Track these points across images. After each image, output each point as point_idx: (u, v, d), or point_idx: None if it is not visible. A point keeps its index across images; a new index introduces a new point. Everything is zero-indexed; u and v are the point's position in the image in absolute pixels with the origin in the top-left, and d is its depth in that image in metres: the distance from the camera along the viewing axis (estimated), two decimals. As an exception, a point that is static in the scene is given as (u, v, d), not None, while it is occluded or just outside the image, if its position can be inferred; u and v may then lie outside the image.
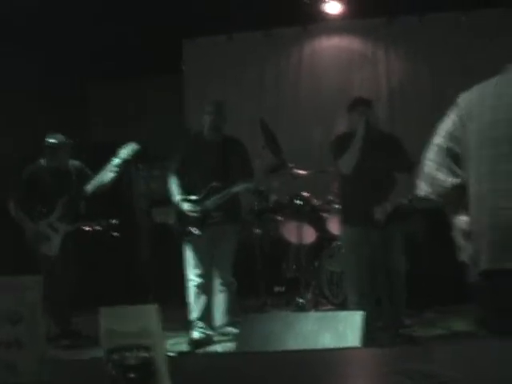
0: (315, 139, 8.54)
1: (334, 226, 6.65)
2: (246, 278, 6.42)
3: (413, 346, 3.01)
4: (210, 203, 5.67)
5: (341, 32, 8.84)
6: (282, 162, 5.91)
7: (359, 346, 2.67)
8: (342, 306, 6.10)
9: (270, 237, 7.28)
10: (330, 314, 4.13)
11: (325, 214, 6.76)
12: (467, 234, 2.83)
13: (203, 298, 5.77)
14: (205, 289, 5.78)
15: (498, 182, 2.67)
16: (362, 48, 8.85)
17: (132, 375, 1.43)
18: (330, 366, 1.94)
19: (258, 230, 6.98)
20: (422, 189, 2.95)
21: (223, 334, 5.86)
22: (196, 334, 5.70)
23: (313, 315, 3.93)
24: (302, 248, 6.62)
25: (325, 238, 6.82)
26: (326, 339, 2.76)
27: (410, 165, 5.02)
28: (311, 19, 8.54)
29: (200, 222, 5.69)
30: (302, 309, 6.36)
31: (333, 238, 6.68)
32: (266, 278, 6.95)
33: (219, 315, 5.88)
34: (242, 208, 6.16)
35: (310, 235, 6.71)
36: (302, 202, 6.63)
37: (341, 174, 5.64)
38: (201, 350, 5.53)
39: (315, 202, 6.78)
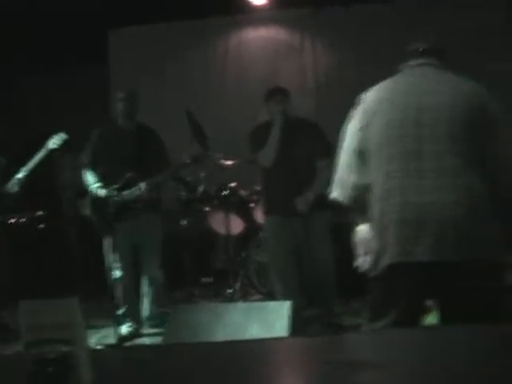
0: (242, 130, 8.53)
1: (261, 216, 6.68)
2: (174, 269, 6.39)
3: (341, 335, 3.03)
4: (127, 194, 5.55)
5: (267, 23, 8.85)
6: (208, 153, 5.88)
7: (287, 335, 2.69)
8: (271, 295, 6.12)
9: (198, 228, 7.26)
10: (257, 304, 4.14)
11: (252, 205, 6.77)
12: (367, 245, 2.96)
13: (129, 292, 5.67)
14: (129, 282, 5.67)
15: (408, 179, 2.79)
16: (288, 39, 8.89)
17: (50, 369, 1.41)
18: (258, 356, 1.94)
19: (185, 221, 6.96)
20: (334, 191, 3.09)
21: (152, 326, 5.80)
22: (123, 328, 5.61)
23: (241, 306, 3.93)
24: (229, 239, 6.62)
25: (252, 228, 6.83)
26: (254, 329, 2.77)
27: (330, 150, 4.88)
28: (238, 10, 8.51)
29: (118, 213, 5.57)
30: (230, 299, 6.37)
31: (260, 228, 6.69)
32: (194, 269, 6.95)
33: (147, 307, 5.81)
34: (162, 198, 6.06)
35: (237, 226, 6.72)
36: (229, 193, 6.62)
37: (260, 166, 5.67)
38: (129, 343, 5.47)
39: (242, 192, 6.79)
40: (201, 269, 7.19)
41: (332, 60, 8.70)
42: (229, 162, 6.55)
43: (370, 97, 3.05)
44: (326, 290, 5.60)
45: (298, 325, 5.34)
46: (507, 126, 2.95)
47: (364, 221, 3.01)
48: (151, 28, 8.80)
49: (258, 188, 6.71)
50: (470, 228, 2.73)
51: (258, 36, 8.88)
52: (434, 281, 2.77)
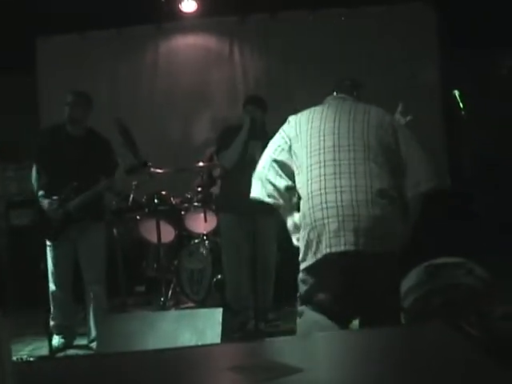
0: (173, 138, 8.57)
1: (193, 224, 6.70)
2: (107, 278, 6.34)
3: (273, 340, 3.11)
4: (72, 204, 5.33)
5: (196, 30, 8.86)
6: (142, 162, 5.82)
7: (219, 342, 2.74)
8: (204, 303, 6.15)
9: (130, 236, 7.21)
10: (189, 311, 4.16)
11: (183, 212, 6.78)
12: (298, 227, 3.50)
13: (63, 304, 5.52)
14: (64, 294, 5.52)
15: (325, 183, 3.31)
16: (217, 46, 8.93)
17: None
18: (190, 363, 1.98)
19: (117, 230, 6.91)
20: (256, 191, 3.64)
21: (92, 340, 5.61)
22: (56, 340, 5.51)
23: (172, 314, 3.95)
24: (161, 247, 6.62)
25: (184, 236, 6.85)
26: (186, 337, 2.81)
27: None
28: (167, 18, 8.49)
29: (62, 224, 5.37)
30: (163, 308, 6.35)
31: (192, 235, 6.74)
32: (127, 278, 6.90)
33: (92, 327, 5.53)
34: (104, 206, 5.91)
35: (169, 234, 6.70)
36: (160, 201, 6.62)
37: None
38: (61, 354, 5.38)
39: (174, 200, 6.79)
40: (133, 278, 7.15)
41: (260, 66, 8.78)
42: (159, 171, 6.55)
43: (296, 119, 3.61)
44: (265, 293, 5.66)
45: (232, 330, 5.44)
46: (413, 140, 3.54)
47: (290, 216, 3.60)
48: (79, 37, 8.68)
49: (190, 195, 6.75)
50: (382, 224, 3.25)
51: (187, 44, 8.87)
52: (355, 269, 3.27)
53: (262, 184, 3.58)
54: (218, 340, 2.76)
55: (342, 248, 3.21)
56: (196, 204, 6.64)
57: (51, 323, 5.51)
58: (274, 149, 3.59)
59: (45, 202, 5.38)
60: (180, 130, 8.63)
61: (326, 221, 3.26)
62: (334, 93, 3.79)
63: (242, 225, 5.55)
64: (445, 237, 7.03)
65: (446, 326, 2.04)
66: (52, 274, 5.50)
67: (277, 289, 5.81)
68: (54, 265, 5.49)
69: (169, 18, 8.49)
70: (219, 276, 6.21)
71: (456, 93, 4.15)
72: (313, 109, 3.64)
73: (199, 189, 6.71)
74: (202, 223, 6.52)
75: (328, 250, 3.24)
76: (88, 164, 5.39)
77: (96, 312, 5.52)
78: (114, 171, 5.47)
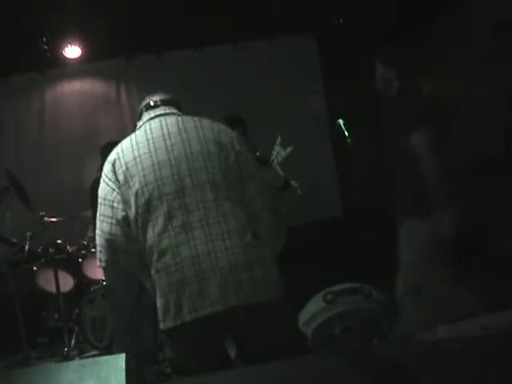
0: (65, 185, 8.46)
1: (91, 271, 6.64)
2: (6, 332, 6.20)
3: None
4: None
5: (82, 76, 8.81)
6: (32, 210, 5.71)
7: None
8: (108, 349, 6.09)
9: (27, 288, 7.07)
10: (91, 360, 4.10)
11: (80, 260, 6.71)
12: None
13: None
14: None
15: (178, 236, 2.78)
16: (104, 90, 8.92)
17: None
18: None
19: (14, 282, 6.77)
20: (103, 259, 2.96)
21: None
22: None
23: (74, 364, 3.90)
24: (61, 296, 6.51)
25: (83, 283, 6.77)
26: (90, 386, 2.78)
27: None
28: (51, 64, 8.42)
29: None
30: (67, 358, 6.25)
31: (91, 282, 6.67)
32: (28, 331, 6.76)
33: None
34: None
35: (67, 282, 6.63)
36: (56, 250, 6.54)
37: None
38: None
39: (70, 248, 6.71)
40: (35, 330, 7.00)
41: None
42: (53, 219, 6.47)
43: (117, 160, 2.96)
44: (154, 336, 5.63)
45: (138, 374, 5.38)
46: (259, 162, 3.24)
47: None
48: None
49: (86, 242, 6.69)
50: (249, 270, 2.76)
51: (73, 90, 8.79)
52: (228, 328, 2.80)
53: (109, 251, 2.94)
54: (123, 386, 2.75)
55: (210, 310, 2.70)
56: (93, 250, 6.58)
57: None
58: (110, 206, 2.91)
59: None
60: (71, 177, 8.53)
61: (184, 281, 2.73)
62: (151, 108, 3.19)
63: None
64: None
65: (339, 355, 2.08)
66: None
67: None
68: None
69: (53, 65, 8.41)
70: (122, 321, 6.17)
71: (340, 122, 4.30)
72: (134, 139, 3.01)
73: (95, 235, 6.65)
74: (99, 270, 6.44)
75: (191, 316, 2.71)
76: None
77: None
78: None
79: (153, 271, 2.84)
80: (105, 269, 3.07)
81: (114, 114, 8.85)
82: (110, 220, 2.91)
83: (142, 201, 2.84)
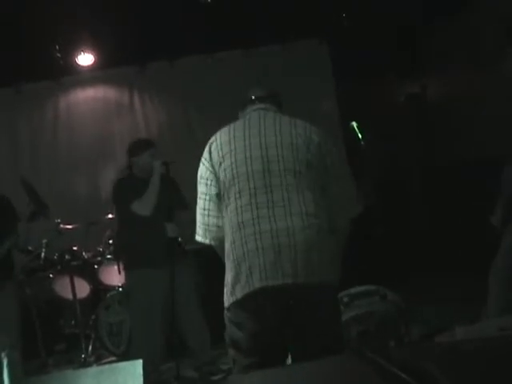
0: (79, 192, 8.50)
1: (107, 277, 6.67)
2: (24, 340, 6.22)
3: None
4: None
5: (95, 83, 8.89)
6: (42, 206, 5.66)
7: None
8: (125, 355, 6.10)
9: (44, 295, 7.11)
10: (108, 366, 4.11)
11: (96, 266, 6.75)
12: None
13: None
14: None
15: (259, 210, 3.02)
16: (117, 97, 8.99)
17: None
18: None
19: (30, 290, 6.81)
20: (198, 235, 3.26)
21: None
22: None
23: (92, 370, 3.90)
24: (77, 303, 6.54)
25: (99, 289, 6.80)
26: (106, 393, 2.79)
27: (186, 203, 5.31)
28: (64, 72, 8.49)
29: None
30: (84, 364, 6.27)
31: (107, 288, 6.69)
32: (46, 338, 6.79)
33: None
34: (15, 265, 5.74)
35: (84, 289, 6.67)
36: (72, 257, 6.58)
37: (120, 219, 5.68)
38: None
39: (86, 254, 6.74)
40: (53, 336, 7.04)
41: (162, 114, 8.88)
42: (69, 226, 6.51)
43: (216, 140, 3.25)
44: (200, 339, 5.65)
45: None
46: (342, 159, 3.36)
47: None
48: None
49: (101, 248, 6.71)
50: (318, 252, 2.99)
51: (87, 97, 8.86)
52: (293, 302, 2.97)
53: (206, 228, 3.23)
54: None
55: (280, 281, 2.93)
56: (109, 257, 6.62)
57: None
58: (205, 184, 3.22)
59: None
60: (86, 184, 8.58)
61: (260, 251, 2.96)
62: (254, 102, 3.43)
63: (157, 275, 5.34)
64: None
65: (357, 358, 2.07)
66: None
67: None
68: None
69: (66, 72, 8.48)
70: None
71: (354, 124, 4.29)
72: (232, 125, 3.31)
73: (110, 241, 6.68)
74: (115, 275, 6.49)
75: (261, 284, 2.94)
76: None
77: (11, 379, 5.34)
78: (17, 225, 5.37)
79: (228, 244, 3.10)
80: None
81: (128, 121, 8.90)
82: (204, 196, 3.22)
83: (230, 176, 3.13)
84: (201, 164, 3.26)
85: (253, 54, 8.83)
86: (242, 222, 3.03)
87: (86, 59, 8.22)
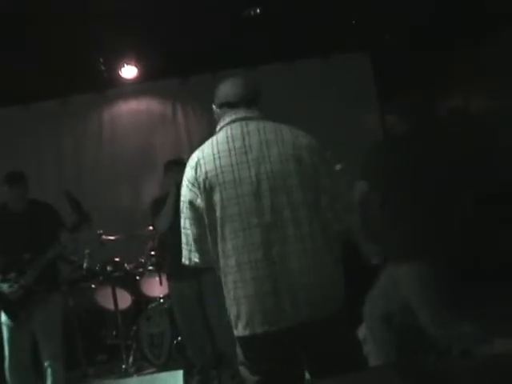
0: (122, 204, 8.57)
1: (148, 288, 6.71)
2: (66, 349, 6.26)
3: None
4: (26, 279, 5.13)
5: (138, 95, 8.99)
6: (85, 216, 5.72)
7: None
8: (166, 366, 6.12)
9: (86, 305, 7.16)
10: (149, 377, 4.16)
11: (138, 278, 6.79)
12: None
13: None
14: (22, 375, 5.23)
15: (254, 253, 2.79)
16: (160, 109, 9.07)
17: None
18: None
19: (73, 300, 6.87)
20: (191, 258, 3.00)
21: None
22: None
23: (132, 381, 3.95)
24: (119, 313, 6.58)
25: (141, 301, 6.84)
26: (147, 403, 2.81)
27: None
28: (108, 85, 8.60)
29: (21, 301, 5.14)
30: (125, 375, 6.30)
31: (148, 300, 6.73)
32: (87, 348, 6.85)
33: None
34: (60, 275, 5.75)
35: (125, 300, 6.71)
36: (114, 268, 6.63)
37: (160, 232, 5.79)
38: None
39: (127, 266, 6.79)
40: (94, 347, 7.09)
41: (204, 126, 8.89)
42: (111, 238, 6.57)
43: (196, 163, 2.94)
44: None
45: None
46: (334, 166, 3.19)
47: None
48: (22, 108, 8.62)
49: (143, 260, 6.75)
50: (321, 286, 2.80)
51: (130, 109, 8.97)
52: (300, 342, 2.83)
53: (194, 250, 2.99)
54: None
55: (281, 324, 2.76)
56: (150, 268, 6.65)
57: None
58: (189, 209, 2.93)
59: (4, 286, 5.17)
60: (128, 196, 8.65)
61: (259, 294, 2.78)
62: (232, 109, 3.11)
63: (188, 288, 5.60)
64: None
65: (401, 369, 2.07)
66: (10, 354, 5.24)
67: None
68: (11, 344, 5.24)
69: (110, 85, 8.59)
70: (179, 338, 6.21)
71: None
72: (214, 141, 2.99)
73: (152, 252, 6.70)
74: (157, 287, 6.53)
75: (262, 329, 2.79)
76: (35, 234, 5.26)
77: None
78: (61, 233, 5.40)
79: (225, 278, 2.90)
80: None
81: (170, 134, 8.97)
82: (191, 221, 2.95)
83: (218, 203, 2.85)
84: (185, 186, 2.97)
85: (294, 66, 8.82)
86: (239, 265, 2.81)
87: (129, 72, 8.27)
